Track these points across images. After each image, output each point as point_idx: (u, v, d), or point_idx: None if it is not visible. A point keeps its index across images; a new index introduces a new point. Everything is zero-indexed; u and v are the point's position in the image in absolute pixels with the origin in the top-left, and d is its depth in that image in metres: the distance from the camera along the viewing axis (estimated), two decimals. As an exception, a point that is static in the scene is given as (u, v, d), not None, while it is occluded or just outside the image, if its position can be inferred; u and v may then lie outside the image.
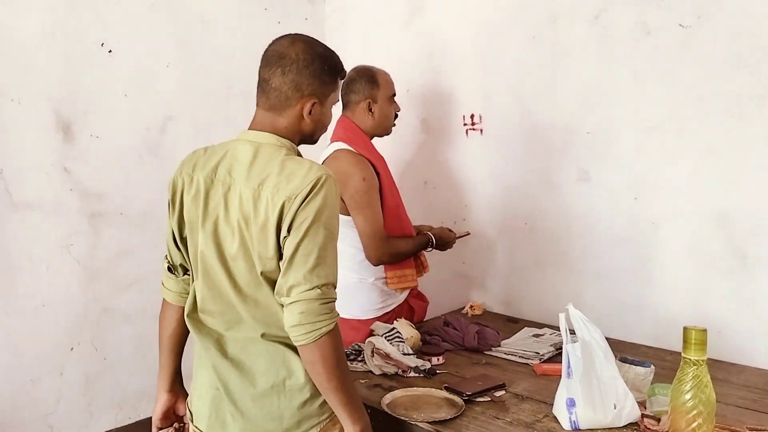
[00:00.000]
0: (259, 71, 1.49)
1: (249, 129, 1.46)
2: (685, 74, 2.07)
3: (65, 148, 2.33)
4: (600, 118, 2.28)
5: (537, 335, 2.26)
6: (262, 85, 1.46)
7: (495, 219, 2.67)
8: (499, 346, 2.14)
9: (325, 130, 1.56)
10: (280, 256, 1.34)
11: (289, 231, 1.31)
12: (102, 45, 2.40)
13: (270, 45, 1.47)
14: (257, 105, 1.48)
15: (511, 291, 2.66)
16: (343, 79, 1.55)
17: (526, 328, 2.37)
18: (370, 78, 2.28)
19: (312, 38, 1.49)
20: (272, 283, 1.37)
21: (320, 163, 2.30)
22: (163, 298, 1.59)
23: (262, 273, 1.36)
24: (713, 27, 2.01)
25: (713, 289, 2.10)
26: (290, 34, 1.48)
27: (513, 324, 2.45)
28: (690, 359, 1.27)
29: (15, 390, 2.26)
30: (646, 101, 2.16)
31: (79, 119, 2.36)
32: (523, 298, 2.61)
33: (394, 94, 2.32)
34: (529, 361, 2.00)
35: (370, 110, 2.28)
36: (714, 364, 2.00)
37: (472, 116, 2.67)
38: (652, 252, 2.22)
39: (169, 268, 1.57)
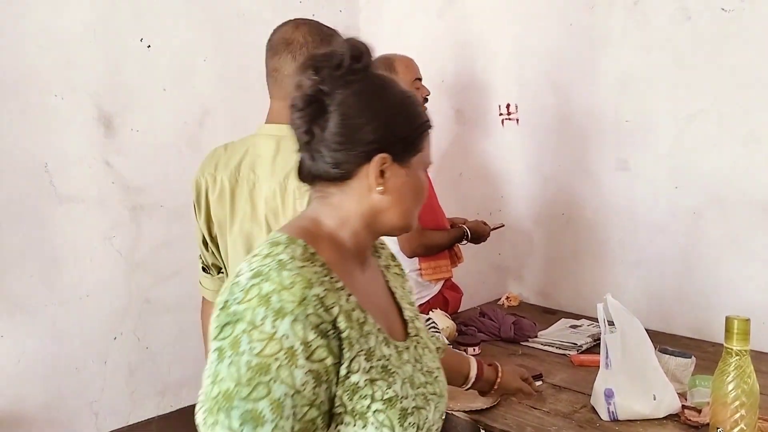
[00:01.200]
0: (267, 62, 1.45)
1: (267, 122, 1.45)
2: (728, 60, 2.02)
3: (107, 142, 2.38)
4: (639, 106, 2.24)
5: (574, 326, 2.24)
6: (273, 75, 1.43)
7: (532, 209, 2.65)
8: (536, 336, 2.13)
9: None
10: None
11: None
12: (141, 40, 2.45)
13: (273, 34, 1.44)
14: (271, 96, 1.46)
15: (548, 282, 2.64)
16: None
17: (563, 319, 2.35)
18: (388, 65, 2.25)
19: (314, 20, 1.46)
20: None
21: None
22: (202, 296, 1.62)
23: None
24: (757, 10, 1.95)
25: (756, 280, 2.05)
26: (292, 20, 1.44)
27: (550, 315, 2.43)
28: (732, 349, 1.24)
29: (61, 378, 2.33)
30: (686, 88, 2.12)
31: (120, 113, 2.41)
32: (560, 289, 2.58)
33: (419, 78, 2.28)
34: (566, 352, 1.98)
35: None
36: (758, 356, 1.95)
37: (507, 106, 2.65)
38: (693, 242, 2.17)
39: (203, 268, 1.59)
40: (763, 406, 1.58)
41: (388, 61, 2.28)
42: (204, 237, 1.50)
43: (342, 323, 0.85)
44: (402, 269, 1.23)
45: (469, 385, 1.46)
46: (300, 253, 0.88)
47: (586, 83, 2.37)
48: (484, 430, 1.62)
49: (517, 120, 2.63)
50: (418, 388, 0.96)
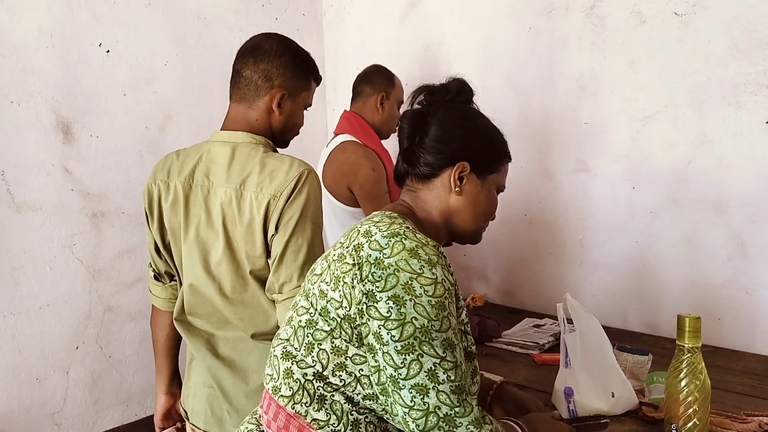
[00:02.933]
0: (233, 65, 1.49)
1: (222, 128, 1.46)
2: (681, 62, 2.07)
3: (65, 148, 2.34)
4: (597, 108, 2.29)
5: (537, 325, 2.28)
6: (235, 77, 1.47)
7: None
8: (500, 336, 2.16)
9: (297, 132, 1.55)
10: (268, 254, 1.35)
11: (276, 229, 1.33)
12: (100, 45, 2.41)
13: (246, 41, 1.49)
14: (230, 98, 1.48)
15: (512, 282, 2.67)
16: (318, 82, 1.56)
17: (526, 318, 2.39)
18: (388, 76, 2.37)
19: (288, 37, 1.51)
20: (261, 282, 1.38)
21: (326, 155, 2.32)
22: (152, 305, 1.60)
23: (251, 272, 1.37)
24: (708, 15, 2.01)
25: (712, 277, 2.11)
26: (267, 32, 1.50)
27: (514, 315, 2.46)
28: (684, 346, 1.28)
29: (22, 389, 2.28)
30: (642, 90, 2.17)
31: (79, 119, 2.37)
32: (523, 289, 2.62)
33: (402, 102, 2.37)
34: (529, 351, 2.01)
35: (381, 104, 2.32)
36: (714, 352, 2.02)
37: (470, 108, 2.67)
38: (651, 241, 2.22)
39: (155, 276, 1.58)
40: (719, 401, 1.63)
41: (389, 72, 2.39)
42: (156, 244, 1.49)
43: (454, 277, 1.07)
44: None
45: None
46: (413, 226, 1.09)
47: (546, 86, 2.41)
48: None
49: (480, 123, 2.65)
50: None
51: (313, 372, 1.03)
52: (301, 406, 1.03)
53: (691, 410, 1.26)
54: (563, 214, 2.45)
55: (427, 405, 0.96)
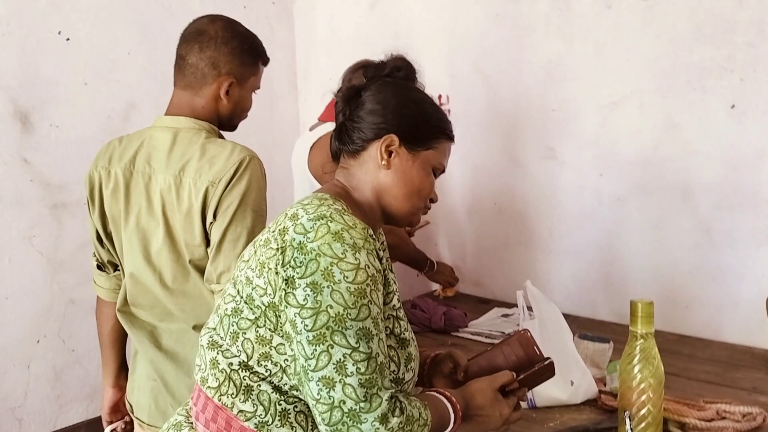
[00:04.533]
0: (177, 49, 1.45)
1: (166, 113, 1.42)
2: (647, 48, 2.05)
3: (24, 138, 2.28)
4: (564, 95, 2.26)
5: (506, 315, 2.26)
6: (179, 62, 1.43)
7: (464, 200, 2.65)
8: (467, 326, 2.13)
9: (245, 116, 1.52)
10: (207, 243, 1.32)
11: (215, 216, 1.29)
12: (59, 33, 2.36)
13: (189, 24, 1.45)
14: (174, 84, 1.44)
15: (481, 271, 2.64)
16: (265, 64, 1.51)
17: (495, 308, 2.36)
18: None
19: (234, 20, 1.46)
20: (201, 272, 1.34)
21: (311, 143, 2.27)
22: (97, 296, 1.56)
23: (190, 261, 1.34)
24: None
25: (679, 265, 2.09)
26: (211, 14, 1.45)
27: (484, 305, 2.44)
28: (637, 332, 1.25)
29: (-19, 384, 2.24)
30: (608, 76, 2.14)
31: (38, 109, 2.31)
32: (494, 279, 2.59)
33: None
34: (494, 341, 1.99)
35: None
36: (681, 340, 2.01)
37: (439, 97, 2.63)
38: (619, 228, 2.21)
39: (98, 266, 1.53)
40: (681, 389, 1.62)
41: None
42: (98, 233, 1.45)
43: (384, 261, 1.04)
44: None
45: None
46: (339, 206, 1.03)
47: (513, 73, 2.38)
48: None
49: (449, 111, 2.62)
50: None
51: (239, 362, 1.00)
52: (228, 397, 0.99)
53: (644, 396, 1.24)
54: (532, 203, 2.42)
55: (332, 399, 0.92)
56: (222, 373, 1.00)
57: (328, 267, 0.93)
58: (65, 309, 2.42)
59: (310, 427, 0.99)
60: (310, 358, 0.92)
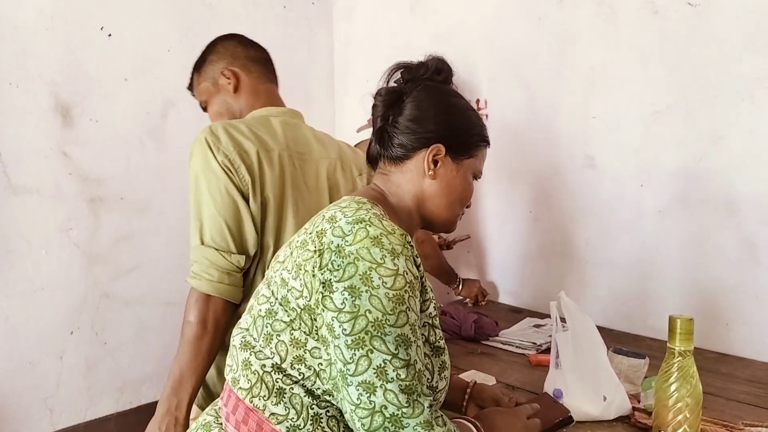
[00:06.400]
0: (246, 52, 1.58)
1: (273, 105, 1.56)
2: (693, 56, 1.98)
3: (64, 132, 2.32)
4: (606, 102, 2.20)
5: (538, 325, 2.21)
6: (261, 61, 1.59)
7: (500, 207, 2.61)
8: (497, 335, 2.09)
9: None
10: None
11: None
12: (102, 29, 2.39)
13: (229, 35, 1.62)
14: (263, 81, 1.58)
15: (515, 280, 2.60)
16: None
17: (527, 318, 2.31)
18: None
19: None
20: None
21: (354, 144, 2.27)
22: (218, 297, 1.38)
23: None
24: (723, 6, 1.91)
25: (721, 281, 2.01)
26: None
27: (516, 314, 2.39)
28: (675, 349, 1.20)
29: (14, 373, 2.27)
30: (652, 84, 2.08)
31: (78, 103, 2.35)
32: (526, 288, 2.54)
33: None
34: (525, 352, 1.94)
35: None
36: (720, 358, 1.93)
37: (477, 101, 2.60)
38: (659, 241, 2.14)
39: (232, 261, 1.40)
40: (719, 409, 1.55)
41: None
42: (254, 221, 1.39)
43: (421, 268, 1.01)
44: None
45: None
46: (382, 212, 1.04)
47: (554, 79, 2.33)
48: None
49: (487, 116, 2.59)
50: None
51: (272, 364, 0.98)
52: (260, 399, 0.97)
53: (680, 416, 1.18)
54: (569, 212, 2.37)
55: (373, 404, 0.90)
56: (254, 374, 0.99)
57: (366, 272, 0.91)
58: (99, 302, 2.45)
59: None
60: (349, 363, 0.91)
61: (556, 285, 2.41)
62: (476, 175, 1.19)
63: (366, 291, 0.91)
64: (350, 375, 0.91)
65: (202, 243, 1.37)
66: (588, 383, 1.48)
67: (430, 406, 0.94)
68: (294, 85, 2.96)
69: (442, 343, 1.07)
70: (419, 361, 0.95)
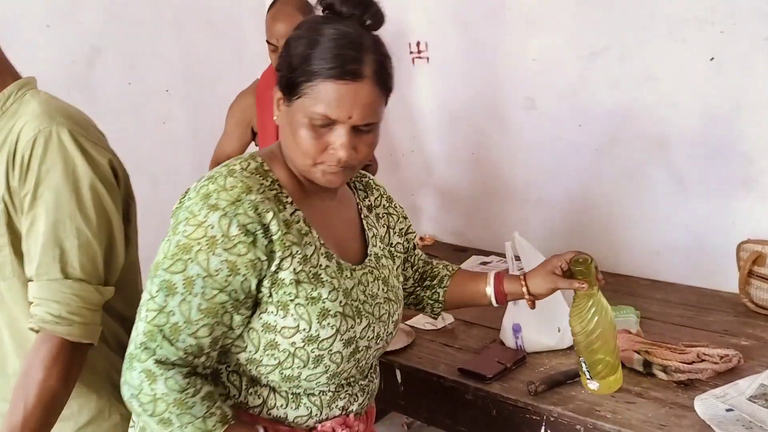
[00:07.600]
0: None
1: None
2: (627, -2, 2.05)
3: (-16, 84, 2.17)
4: (544, 45, 2.25)
5: (484, 263, 2.30)
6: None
7: (443, 149, 2.65)
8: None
9: None
10: None
11: None
12: (17, -29, 2.22)
13: None
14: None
15: (459, 221, 2.68)
16: None
17: (474, 256, 2.40)
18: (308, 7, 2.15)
19: None
20: None
21: None
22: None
23: None
24: (656, -53, 1.98)
25: (652, 213, 2.15)
26: None
27: (461, 253, 2.48)
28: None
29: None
30: (588, 26, 2.14)
31: (-3, 53, 2.19)
32: (471, 228, 2.63)
33: None
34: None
35: None
36: (653, 285, 2.09)
37: (418, 44, 2.60)
38: (595, 179, 2.25)
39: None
40: (658, 332, 1.69)
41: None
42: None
43: (274, 227, 0.96)
44: (398, 211, 1.29)
45: (493, 303, 1.30)
46: (253, 167, 1.01)
47: (495, 20, 2.35)
48: (399, 370, 1.65)
49: (428, 58, 2.59)
50: (354, 301, 1.04)
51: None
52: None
53: (596, 345, 1.21)
54: (510, 153, 2.44)
55: (134, 333, 0.97)
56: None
57: (180, 220, 0.96)
58: None
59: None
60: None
61: (498, 224, 2.50)
62: (313, 119, 0.95)
63: (168, 238, 0.97)
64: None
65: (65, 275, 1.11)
66: (543, 316, 1.57)
67: (168, 364, 0.93)
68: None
69: (316, 293, 0.99)
70: (182, 317, 0.92)
